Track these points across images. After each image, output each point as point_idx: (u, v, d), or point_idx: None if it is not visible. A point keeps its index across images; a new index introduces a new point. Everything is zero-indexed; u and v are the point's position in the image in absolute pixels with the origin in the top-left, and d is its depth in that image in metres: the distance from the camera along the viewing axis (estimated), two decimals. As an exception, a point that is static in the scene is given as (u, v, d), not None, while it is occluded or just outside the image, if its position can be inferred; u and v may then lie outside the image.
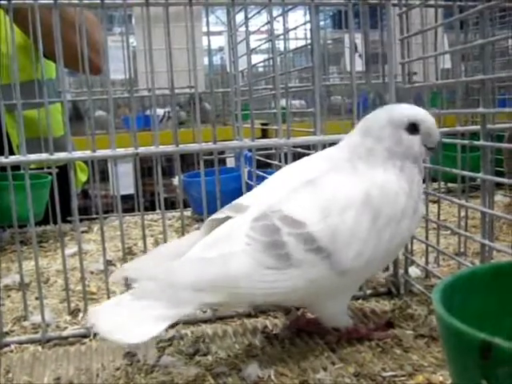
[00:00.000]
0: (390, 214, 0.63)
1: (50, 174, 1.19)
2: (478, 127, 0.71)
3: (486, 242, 0.70)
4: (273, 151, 1.16)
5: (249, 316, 0.79)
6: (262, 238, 0.60)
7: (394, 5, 0.83)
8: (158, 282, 0.57)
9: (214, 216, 0.66)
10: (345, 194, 0.63)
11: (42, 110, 1.30)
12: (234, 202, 0.67)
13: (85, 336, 0.75)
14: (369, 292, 0.84)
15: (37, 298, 0.84)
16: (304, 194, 0.63)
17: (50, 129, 0.78)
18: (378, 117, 0.68)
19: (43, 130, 1.24)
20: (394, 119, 0.67)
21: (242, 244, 0.60)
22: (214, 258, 0.59)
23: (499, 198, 1.35)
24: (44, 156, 0.75)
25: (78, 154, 0.76)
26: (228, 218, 0.64)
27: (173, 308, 0.56)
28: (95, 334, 0.75)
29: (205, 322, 0.78)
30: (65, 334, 0.76)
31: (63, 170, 0.81)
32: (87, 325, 0.58)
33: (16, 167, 0.76)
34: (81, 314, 0.81)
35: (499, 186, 1.34)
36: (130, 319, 0.55)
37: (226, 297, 0.59)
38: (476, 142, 0.71)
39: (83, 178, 1.64)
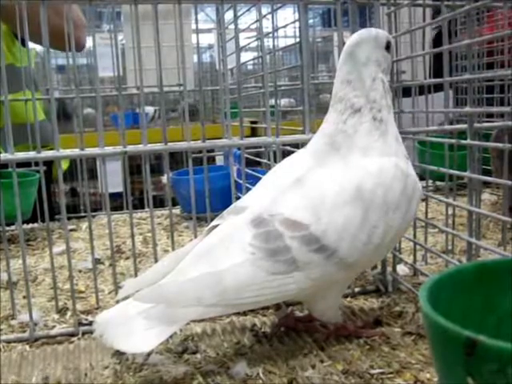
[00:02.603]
0: (387, 201, 0.63)
1: (38, 171, 1.18)
2: (466, 126, 0.71)
3: (473, 240, 0.71)
4: (262, 149, 1.16)
5: (237, 314, 0.79)
6: (266, 245, 0.60)
7: (383, 4, 0.84)
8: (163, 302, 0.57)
9: (215, 222, 0.67)
10: (336, 190, 0.62)
11: (18, 94, 1.31)
12: (233, 205, 0.68)
13: (73, 335, 0.75)
14: (357, 290, 0.84)
15: (24, 297, 0.83)
16: (296, 194, 0.63)
17: (36, 125, 0.77)
18: (367, 42, 0.69)
19: (21, 116, 1.25)
20: (378, 41, 0.69)
21: (245, 254, 0.60)
22: (217, 272, 0.59)
23: (486, 196, 1.36)
24: (31, 154, 0.75)
25: (66, 152, 0.75)
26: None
27: (175, 322, 0.58)
28: (83, 333, 0.74)
29: (193, 320, 0.78)
30: (53, 332, 0.75)
31: (49, 167, 0.80)
32: (94, 334, 0.58)
33: (3, 165, 0.76)
34: (69, 313, 0.80)
35: (486, 184, 1.36)
36: (135, 330, 0.56)
37: (229, 309, 0.61)
38: (463, 141, 0.72)
39: (65, 165, 1.64)
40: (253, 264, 0.59)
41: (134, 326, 0.56)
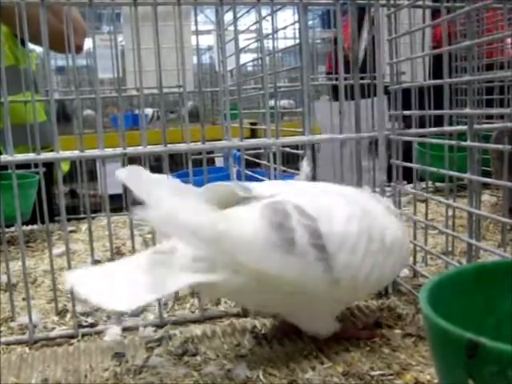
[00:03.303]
0: (381, 244, 0.65)
1: (37, 172, 1.18)
2: (465, 127, 0.71)
3: (473, 241, 0.70)
4: (262, 151, 1.16)
5: (237, 316, 0.79)
6: (273, 217, 0.60)
7: (383, 5, 0.84)
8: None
9: (219, 184, 0.65)
10: (346, 211, 0.64)
11: (19, 95, 1.31)
12: (240, 183, 0.67)
13: (72, 337, 0.75)
14: (357, 291, 0.84)
15: (24, 299, 0.83)
16: (316, 197, 0.65)
17: (36, 127, 0.77)
18: None
19: (21, 117, 1.25)
20: None
21: (254, 216, 0.60)
22: (226, 219, 0.59)
23: (486, 197, 1.36)
24: (31, 156, 0.75)
25: (66, 153, 0.75)
26: (231, 192, 0.64)
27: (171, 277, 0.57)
28: (83, 335, 0.74)
29: (193, 322, 0.78)
30: (52, 334, 0.75)
31: (49, 168, 0.80)
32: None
33: (3, 166, 0.75)
34: (68, 315, 0.80)
35: (486, 185, 1.36)
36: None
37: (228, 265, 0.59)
38: (463, 143, 0.72)
39: (65, 167, 1.64)
40: (256, 229, 0.59)
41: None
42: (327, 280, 0.61)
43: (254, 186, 0.67)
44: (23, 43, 1.29)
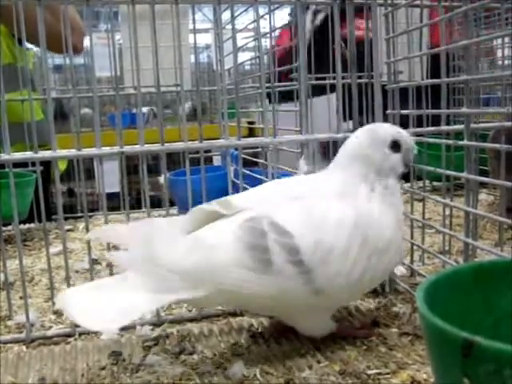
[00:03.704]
0: (376, 245, 0.63)
1: (35, 171, 1.18)
2: (462, 126, 0.71)
3: (470, 240, 0.71)
4: (259, 150, 1.16)
5: (234, 315, 0.79)
6: (248, 238, 0.60)
7: (380, 4, 0.84)
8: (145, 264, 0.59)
9: (203, 206, 0.67)
10: (335, 217, 0.63)
11: (16, 93, 1.32)
12: (223, 198, 0.67)
13: (69, 335, 0.75)
14: (354, 290, 0.84)
15: (21, 298, 0.83)
16: (295, 208, 0.63)
17: (33, 125, 0.77)
18: (361, 137, 0.70)
19: (19, 115, 1.25)
20: (379, 137, 0.69)
21: (227, 239, 0.60)
22: (199, 248, 0.60)
23: (483, 196, 1.36)
24: (28, 154, 0.75)
25: (63, 152, 0.75)
26: (215, 212, 0.64)
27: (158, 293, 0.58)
28: (80, 334, 0.74)
29: (190, 320, 0.78)
30: (49, 333, 0.75)
31: (46, 167, 0.80)
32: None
33: (0, 165, 0.75)
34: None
35: (483, 184, 1.36)
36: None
37: (206, 289, 0.60)
38: (460, 142, 0.72)
39: (62, 166, 1.64)
40: (229, 252, 0.59)
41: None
42: (309, 291, 0.61)
43: (234, 198, 0.67)
44: (21, 42, 1.29)
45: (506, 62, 1.50)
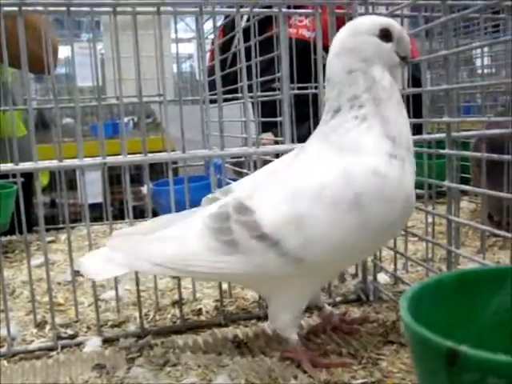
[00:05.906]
0: (358, 201, 0.58)
1: (15, 183, 1.17)
2: (444, 135, 0.72)
3: (452, 248, 0.71)
4: (242, 159, 1.16)
5: (219, 326, 0.78)
6: (212, 224, 0.63)
7: (361, 14, 0.84)
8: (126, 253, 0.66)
9: (211, 195, 0.72)
10: (308, 184, 0.60)
11: None
12: (228, 186, 0.71)
13: (52, 349, 0.73)
14: (338, 299, 0.84)
15: (2, 311, 0.81)
16: (270, 184, 0.64)
17: (14, 135, 0.76)
18: (342, 33, 0.64)
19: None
20: (365, 27, 0.63)
21: (196, 229, 0.64)
22: (172, 238, 0.65)
23: (465, 204, 1.37)
24: (9, 166, 0.74)
25: (45, 163, 0.74)
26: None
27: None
28: (63, 347, 0.73)
29: (175, 332, 0.77)
30: (31, 347, 0.74)
31: (27, 179, 0.79)
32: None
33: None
34: (48, 327, 0.79)
35: (465, 192, 1.37)
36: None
37: (176, 272, 0.67)
38: (441, 151, 0.73)
39: (45, 180, 1.62)
40: (197, 238, 0.63)
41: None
42: (287, 262, 0.60)
43: (234, 184, 0.70)
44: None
45: (486, 70, 1.52)
